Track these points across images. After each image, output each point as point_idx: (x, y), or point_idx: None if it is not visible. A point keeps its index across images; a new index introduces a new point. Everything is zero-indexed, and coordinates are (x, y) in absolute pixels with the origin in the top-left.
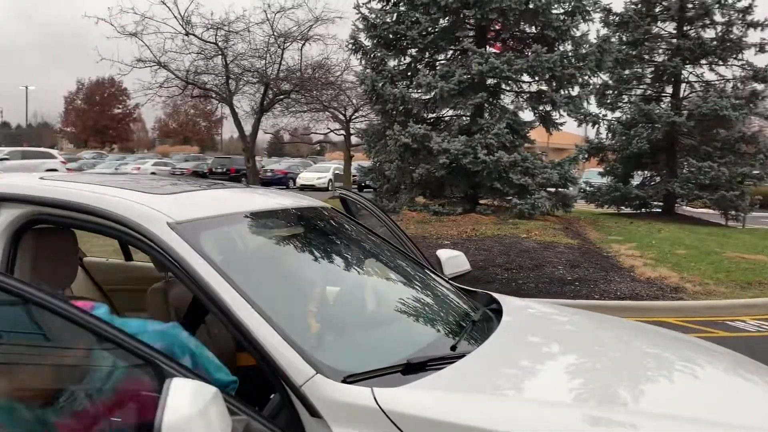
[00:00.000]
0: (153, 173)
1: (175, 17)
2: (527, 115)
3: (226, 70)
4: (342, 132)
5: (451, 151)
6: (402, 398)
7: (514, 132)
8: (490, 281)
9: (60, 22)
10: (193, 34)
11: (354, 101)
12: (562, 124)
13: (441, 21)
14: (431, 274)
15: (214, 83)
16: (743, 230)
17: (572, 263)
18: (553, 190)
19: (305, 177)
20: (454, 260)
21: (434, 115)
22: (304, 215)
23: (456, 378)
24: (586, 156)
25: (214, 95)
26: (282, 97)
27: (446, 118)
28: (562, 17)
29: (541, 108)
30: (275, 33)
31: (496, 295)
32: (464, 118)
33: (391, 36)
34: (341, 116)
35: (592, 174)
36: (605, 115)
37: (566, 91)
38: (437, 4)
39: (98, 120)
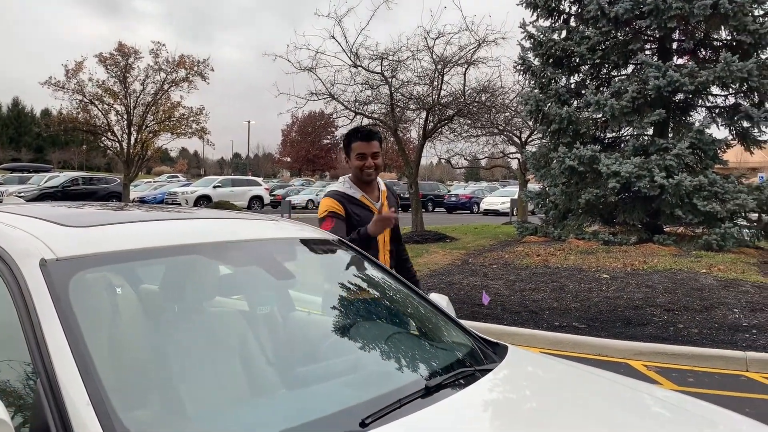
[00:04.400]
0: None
1: (344, 51)
2: (722, 133)
3: (391, 98)
4: (517, 156)
5: (621, 174)
6: None
7: (700, 152)
8: (644, 324)
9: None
10: (361, 66)
11: (530, 123)
12: (765, 141)
13: (613, 34)
14: (430, 326)
15: (380, 112)
16: None
17: (755, 306)
18: (755, 216)
19: (488, 201)
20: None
21: (612, 135)
22: (268, 250)
23: None
24: None
25: (381, 124)
26: (445, 122)
27: (626, 138)
28: (760, 19)
29: (737, 124)
30: (435, 59)
31: (518, 351)
32: (644, 138)
33: (559, 53)
34: (516, 139)
35: None
36: None
37: None
38: (607, 16)
39: (310, 150)
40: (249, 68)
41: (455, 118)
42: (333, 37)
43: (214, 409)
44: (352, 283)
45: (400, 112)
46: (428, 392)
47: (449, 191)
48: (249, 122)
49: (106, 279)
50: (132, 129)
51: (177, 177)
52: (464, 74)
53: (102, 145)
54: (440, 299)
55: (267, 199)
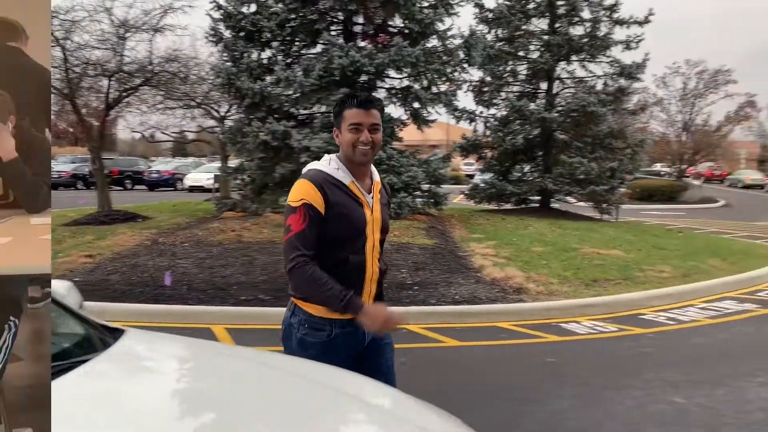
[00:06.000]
0: None
1: None
2: (398, 112)
3: (65, 62)
4: (217, 130)
5: (312, 149)
6: None
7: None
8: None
9: None
10: None
11: (227, 97)
12: (432, 120)
13: (302, 12)
14: None
15: (54, 77)
16: (613, 224)
17: (419, 265)
18: (427, 187)
19: (193, 178)
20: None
21: (307, 111)
22: None
23: None
24: (465, 153)
25: (55, 90)
26: (132, 91)
27: (317, 115)
28: (425, 10)
29: (409, 105)
30: (116, 22)
31: (135, 333)
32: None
33: (250, 27)
34: (215, 113)
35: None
36: (482, 112)
37: (436, 87)
38: None
39: None
40: None
41: (143, 87)
42: None
43: None
44: None
45: (78, 78)
46: None
47: (150, 167)
48: None
49: None
50: None
51: None
52: (151, 41)
53: None
54: (59, 286)
55: None
